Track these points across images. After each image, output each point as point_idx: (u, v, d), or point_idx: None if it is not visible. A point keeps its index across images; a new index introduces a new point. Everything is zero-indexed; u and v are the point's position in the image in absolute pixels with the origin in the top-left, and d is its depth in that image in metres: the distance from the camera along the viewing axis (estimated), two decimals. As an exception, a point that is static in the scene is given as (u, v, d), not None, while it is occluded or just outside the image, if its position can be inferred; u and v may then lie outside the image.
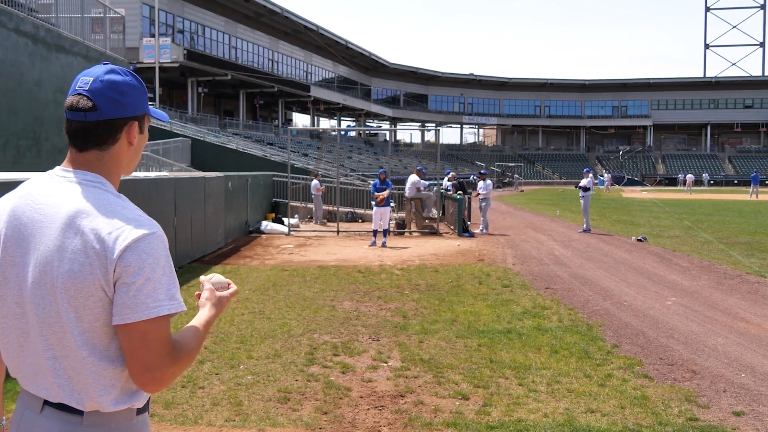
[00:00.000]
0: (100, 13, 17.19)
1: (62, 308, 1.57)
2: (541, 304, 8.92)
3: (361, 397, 5.31)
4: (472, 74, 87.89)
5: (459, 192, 20.02)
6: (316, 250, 15.13)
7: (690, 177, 53.69)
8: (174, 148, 24.03)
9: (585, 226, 19.31)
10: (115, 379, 1.61)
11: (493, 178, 62.80)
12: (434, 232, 19.09)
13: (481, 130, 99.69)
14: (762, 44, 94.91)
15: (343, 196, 22.52)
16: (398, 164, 54.13)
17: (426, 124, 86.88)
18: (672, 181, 73.80)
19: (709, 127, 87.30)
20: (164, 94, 44.75)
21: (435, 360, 6.28)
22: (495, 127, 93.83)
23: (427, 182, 20.79)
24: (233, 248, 15.29)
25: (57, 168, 1.71)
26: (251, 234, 18.39)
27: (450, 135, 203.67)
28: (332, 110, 72.51)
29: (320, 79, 67.86)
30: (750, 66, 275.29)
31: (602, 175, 63.47)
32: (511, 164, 76.62)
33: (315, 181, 21.87)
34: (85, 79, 1.67)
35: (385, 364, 6.16)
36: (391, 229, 18.20)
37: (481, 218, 19.38)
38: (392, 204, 18.27)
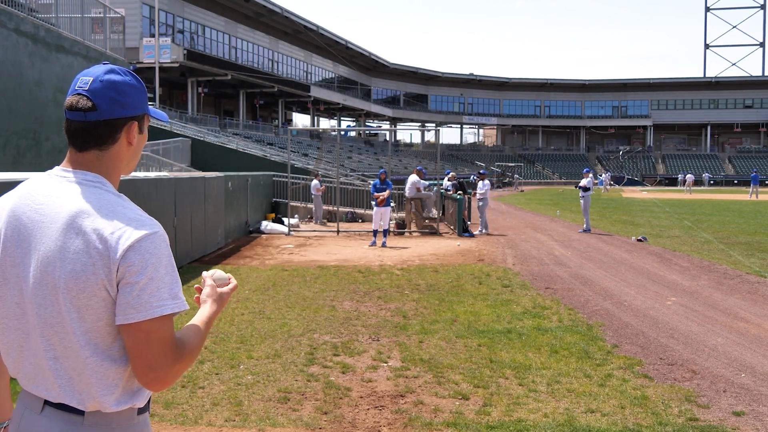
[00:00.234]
0: (100, 13, 17.20)
1: (64, 308, 1.57)
2: (541, 304, 8.93)
3: (361, 397, 5.31)
4: (472, 74, 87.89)
5: (459, 192, 20.02)
6: (316, 250, 15.13)
7: (690, 177, 53.67)
8: (174, 148, 24.03)
9: (585, 226, 19.31)
10: (118, 379, 1.61)
11: (492, 178, 62.91)
12: (434, 232, 19.09)
13: (481, 130, 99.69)
14: (762, 44, 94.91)
15: (343, 196, 22.53)
16: (398, 164, 54.14)
17: (426, 124, 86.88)
18: (672, 181, 73.79)
19: (709, 127, 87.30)
20: (164, 94, 44.76)
21: (435, 360, 6.28)
22: (495, 127, 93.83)
23: (427, 182, 20.80)
24: (233, 248, 15.29)
25: (56, 168, 1.71)
26: (251, 234, 18.39)
27: (450, 135, 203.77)
28: (332, 110, 72.52)
29: (320, 79, 67.87)
30: (750, 66, 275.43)
31: (601, 175, 63.47)
32: (511, 164, 76.62)
33: (315, 181, 21.87)
34: (85, 79, 1.67)
35: (385, 364, 6.17)
36: (391, 229, 18.20)
37: (480, 218, 19.38)
38: (392, 204, 18.27)
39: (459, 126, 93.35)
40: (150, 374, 1.58)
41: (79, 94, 1.65)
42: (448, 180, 22.06)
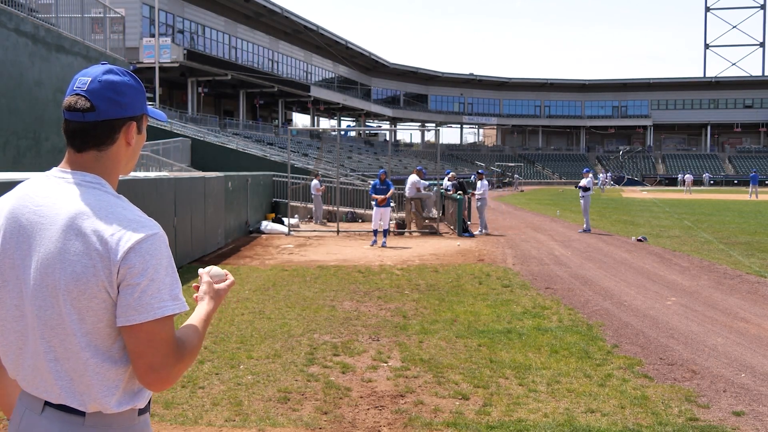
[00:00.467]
0: (100, 13, 17.20)
1: (65, 310, 1.57)
2: (541, 304, 8.93)
3: (361, 397, 5.31)
4: (472, 74, 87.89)
5: (459, 192, 20.02)
6: (316, 250, 15.13)
7: (688, 177, 53.65)
8: (174, 148, 24.03)
9: (585, 226, 19.31)
10: (118, 380, 1.61)
11: (492, 178, 62.91)
12: (434, 232, 19.09)
13: (481, 130, 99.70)
14: (762, 44, 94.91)
15: (343, 196, 22.53)
16: (398, 164, 54.15)
17: (426, 124, 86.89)
18: (672, 181, 73.80)
19: (709, 127, 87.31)
20: (164, 94, 44.76)
21: (435, 360, 6.28)
22: (495, 127, 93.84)
23: (427, 182, 20.79)
24: (233, 248, 15.29)
25: (55, 169, 1.70)
26: (251, 234, 18.39)
27: (450, 135, 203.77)
28: (332, 110, 72.52)
29: (320, 79, 67.87)
30: (750, 66, 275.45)
31: (600, 174, 63.46)
32: (511, 164, 76.62)
33: (315, 181, 21.87)
34: (83, 79, 1.67)
35: (385, 364, 6.16)
36: (391, 229, 18.20)
37: (479, 218, 19.38)
38: (392, 204, 18.28)
39: (459, 126, 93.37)
40: (152, 375, 1.59)
41: (77, 94, 1.65)
42: (448, 180, 22.06)
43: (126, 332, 1.57)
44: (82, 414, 1.61)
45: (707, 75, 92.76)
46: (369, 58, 72.90)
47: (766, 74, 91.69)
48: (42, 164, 12.86)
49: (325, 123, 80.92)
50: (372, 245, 15.90)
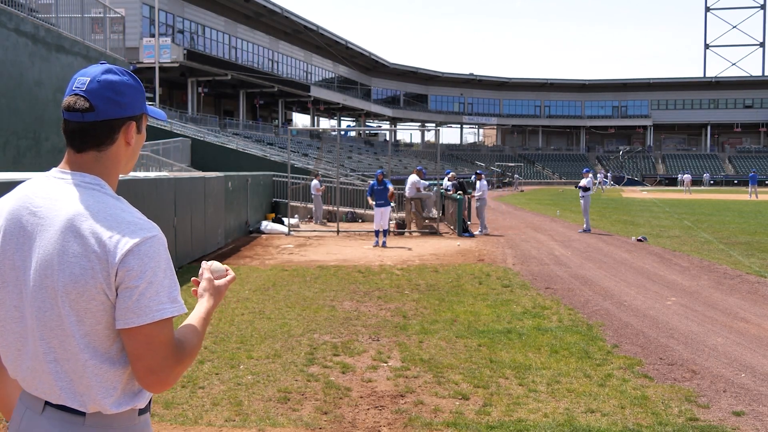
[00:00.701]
0: (100, 13, 17.20)
1: (64, 312, 1.57)
2: (541, 304, 8.92)
3: (361, 397, 5.31)
4: (472, 74, 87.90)
5: (459, 192, 20.02)
6: (316, 250, 15.13)
7: (687, 177, 53.62)
8: (174, 148, 24.04)
9: (585, 226, 19.31)
10: (117, 381, 1.61)
11: (492, 178, 62.92)
12: (434, 232, 19.09)
13: (481, 130, 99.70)
14: (762, 44, 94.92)
15: (343, 196, 22.53)
16: (398, 164, 54.14)
17: (426, 124, 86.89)
18: (672, 181, 73.80)
19: (709, 127, 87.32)
20: (164, 94, 44.76)
21: (435, 360, 6.28)
22: (495, 127, 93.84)
23: (427, 182, 20.79)
24: (233, 248, 15.29)
25: (54, 169, 1.70)
26: (251, 234, 18.39)
27: (450, 135, 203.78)
28: (332, 110, 72.52)
29: (320, 79, 67.87)
30: (750, 66, 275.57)
31: (598, 174, 63.42)
32: (511, 164, 76.63)
33: (315, 181, 21.87)
34: (82, 79, 1.66)
35: (385, 364, 6.16)
36: (391, 229, 18.20)
37: (478, 219, 19.38)
38: (392, 204, 18.28)
39: (459, 126, 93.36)
40: (151, 377, 1.59)
41: (76, 94, 1.65)
42: (448, 180, 22.06)
43: (125, 335, 1.57)
44: (83, 414, 1.61)
45: (707, 75, 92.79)
46: (369, 58, 72.90)
47: (766, 74, 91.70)
48: (42, 164, 12.86)
49: (325, 123, 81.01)
50: (375, 246, 15.88)
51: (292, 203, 20.92)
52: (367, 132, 79.96)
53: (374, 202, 16.53)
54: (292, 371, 5.91)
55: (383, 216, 16.26)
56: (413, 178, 19.50)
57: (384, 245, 15.87)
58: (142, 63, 38.50)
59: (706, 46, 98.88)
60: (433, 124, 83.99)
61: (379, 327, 7.58)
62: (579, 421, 4.80)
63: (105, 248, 1.55)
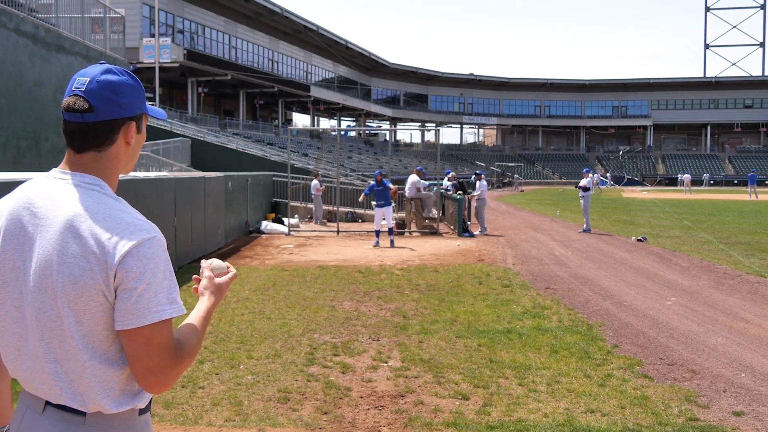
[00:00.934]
0: (100, 13, 17.20)
1: (63, 312, 1.57)
2: (541, 304, 8.92)
3: (361, 397, 5.31)
4: (472, 74, 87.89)
5: (459, 192, 20.02)
6: (316, 250, 15.13)
7: (687, 177, 53.60)
8: (174, 148, 24.04)
9: (585, 226, 19.31)
10: (116, 382, 1.61)
11: (492, 178, 62.90)
12: (434, 232, 19.09)
13: (481, 130, 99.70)
14: (762, 44, 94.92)
15: (343, 196, 22.53)
16: (398, 164, 54.14)
17: (426, 124, 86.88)
18: (672, 181, 73.80)
19: (709, 127, 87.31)
20: (164, 94, 44.76)
21: (435, 360, 6.28)
22: (495, 127, 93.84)
23: (427, 182, 20.79)
24: (233, 248, 15.29)
25: (54, 170, 1.70)
26: (251, 234, 18.39)
27: (450, 135, 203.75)
28: (332, 110, 72.51)
29: (320, 79, 67.86)
30: (750, 66, 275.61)
31: (595, 174, 63.43)
32: (511, 164, 76.61)
33: (315, 181, 21.87)
34: (82, 79, 1.66)
35: (385, 364, 6.16)
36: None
37: (477, 219, 19.38)
38: (393, 204, 18.28)
39: (459, 126, 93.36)
40: (150, 378, 1.59)
41: (76, 95, 1.64)
42: (448, 180, 22.07)
43: (124, 336, 1.57)
44: (83, 414, 1.61)
45: (707, 75, 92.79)
46: (369, 58, 72.89)
47: (766, 74, 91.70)
48: (42, 164, 12.86)
49: (325, 123, 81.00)
50: (374, 246, 15.86)
51: (292, 203, 20.92)
52: (367, 132, 79.96)
53: (373, 202, 16.52)
54: (292, 371, 5.91)
55: (386, 216, 16.24)
56: (413, 178, 19.49)
57: (392, 244, 15.84)
58: (142, 63, 38.50)
59: (706, 46, 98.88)
60: (433, 124, 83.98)
61: (379, 327, 7.58)
62: (579, 421, 4.80)
63: (104, 249, 1.55)
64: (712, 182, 70.59)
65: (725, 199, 40.68)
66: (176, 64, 40.85)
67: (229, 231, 16.12)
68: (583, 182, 19.92)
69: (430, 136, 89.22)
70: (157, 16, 41.27)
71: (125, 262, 1.55)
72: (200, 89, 47.12)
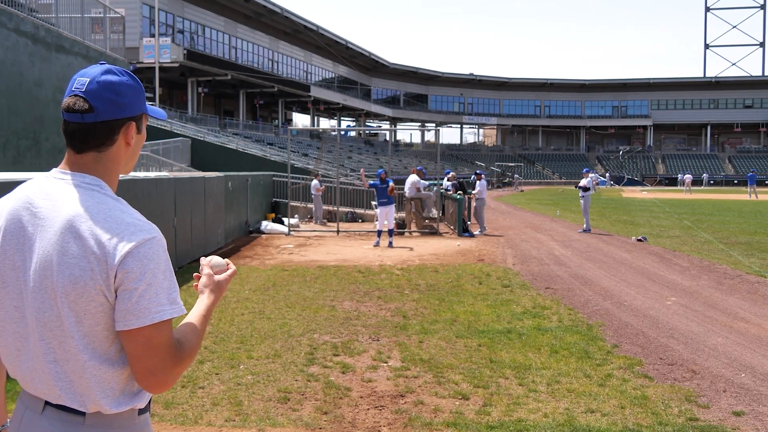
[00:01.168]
0: (100, 13, 17.20)
1: (63, 312, 1.57)
2: (541, 304, 8.92)
3: (361, 397, 5.31)
4: (472, 74, 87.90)
5: (459, 192, 20.03)
6: (316, 250, 15.13)
7: (687, 177, 53.61)
8: (174, 148, 24.04)
9: (585, 226, 19.31)
10: (116, 382, 1.61)
11: (492, 178, 62.90)
12: (434, 232, 19.09)
13: (481, 130, 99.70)
14: (762, 44, 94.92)
15: (343, 196, 22.53)
16: (398, 164, 54.13)
17: (426, 124, 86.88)
18: (672, 181, 73.80)
19: (709, 127, 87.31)
20: (164, 94, 44.76)
21: (435, 360, 6.28)
22: (495, 127, 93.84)
23: (427, 182, 20.79)
24: (233, 248, 15.29)
25: (54, 170, 1.70)
26: (251, 234, 18.39)
27: (450, 135, 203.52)
28: (332, 110, 72.51)
29: (320, 79, 67.86)
30: (750, 66, 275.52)
31: (592, 174, 63.37)
32: (511, 164, 76.62)
33: (315, 181, 21.87)
34: (82, 80, 1.66)
35: (385, 364, 6.16)
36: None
37: (476, 218, 19.37)
38: (394, 203, 18.28)
39: (459, 126, 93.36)
40: (150, 378, 1.59)
41: (76, 95, 1.64)
42: (448, 180, 22.07)
43: (124, 336, 1.57)
44: (83, 414, 1.61)
45: (707, 75, 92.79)
46: (369, 58, 72.89)
47: (766, 74, 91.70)
48: (42, 164, 12.86)
49: (325, 123, 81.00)
50: (375, 246, 15.85)
51: (292, 203, 20.92)
52: (367, 132, 79.95)
53: (374, 202, 16.51)
54: (292, 371, 5.91)
55: (388, 215, 16.23)
56: (413, 178, 19.49)
57: (391, 245, 15.84)
58: (142, 63, 38.50)
59: (706, 46, 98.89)
60: (433, 124, 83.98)
61: (379, 327, 7.58)
62: (579, 421, 4.81)
63: (104, 250, 1.55)
64: (711, 182, 70.60)
65: (725, 199, 40.68)
66: (176, 64, 40.85)
67: (229, 231, 16.12)
68: (583, 182, 19.92)
69: (430, 136, 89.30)
70: (157, 16, 41.27)
71: (126, 263, 1.55)
72: (200, 89, 47.12)
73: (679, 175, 66.20)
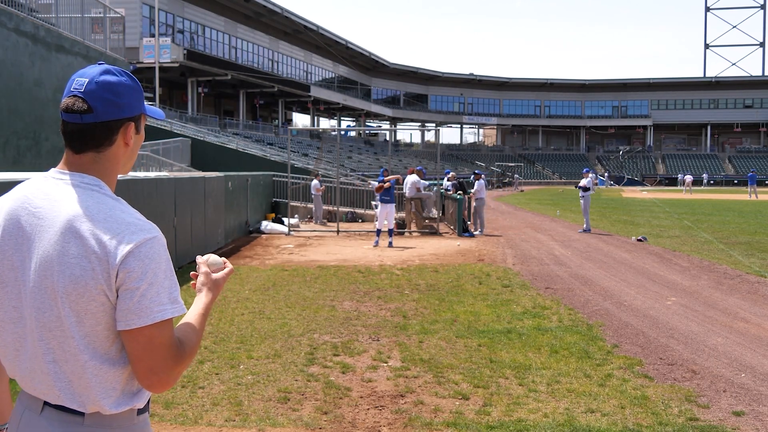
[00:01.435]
0: (100, 13, 17.20)
1: (63, 313, 1.57)
2: (541, 304, 8.92)
3: (361, 397, 5.31)
4: (472, 74, 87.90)
5: (459, 192, 20.03)
6: (316, 250, 15.13)
7: (688, 177, 53.61)
8: (174, 148, 24.03)
9: (585, 226, 19.31)
10: (116, 382, 1.61)
11: (492, 178, 62.89)
12: (434, 232, 19.09)
13: (481, 130, 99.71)
14: (762, 44, 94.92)
15: (343, 196, 22.52)
16: (398, 164, 54.12)
17: (426, 124, 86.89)
18: (672, 181, 73.81)
19: (709, 127, 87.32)
20: (164, 94, 44.77)
21: (435, 360, 6.28)
22: (495, 127, 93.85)
23: (427, 182, 20.79)
24: (233, 248, 15.29)
25: (53, 170, 1.70)
26: (251, 234, 18.39)
27: (450, 135, 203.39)
28: (332, 110, 72.52)
29: (320, 79, 67.87)
30: (750, 66, 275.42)
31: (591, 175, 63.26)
32: (511, 164, 76.62)
33: (315, 181, 21.87)
34: (80, 80, 1.66)
35: (385, 364, 6.16)
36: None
37: (474, 218, 19.37)
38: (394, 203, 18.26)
39: (459, 126, 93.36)
40: (152, 377, 1.59)
41: (74, 96, 1.64)
42: (448, 180, 22.07)
43: (125, 336, 1.58)
44: (82, 414, 1.61)
45: (707, 75, 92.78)
46: (369, 58, 72.90)
47: (766, 74, 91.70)
48: (42, 164, 12.86)
49: (325, 123, 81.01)
50: (375, 245, 15.84)
51: (292, 203, 20.92)
52: (367, 132, 79.96)
53: (374, 202, 16.50)
54: (292, 371, 5.91)
55: (388, 215, 16.23)
56: (413, 178, 19.48)
57: (391, 245, 15.83)
58: (142, 63, 38.51)
59: (706, 46, 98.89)
60: (433, 124, 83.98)
61: (379, 327, 7.57)
62: (579, 421, 4.80)
63: (105, 249, 1.55)
64: (711, 182, 70.60)
65: (725, 199, 40.68)
66: (176, 64, 40.86)
67: (229, 231, 16.12)
68: (583, 182, 19.92)
69: (430, 136, 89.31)
70: (157, 16, 41.28)
71: (127, 262, 1.55)
72: (200, 89, 47.14)
73: (679, 175, 66.21)
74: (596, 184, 53.59)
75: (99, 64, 1.72)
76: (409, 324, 7.70)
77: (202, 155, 26.22)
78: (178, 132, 27.93)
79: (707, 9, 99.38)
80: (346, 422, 4.81)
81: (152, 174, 14.51)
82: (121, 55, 18.22)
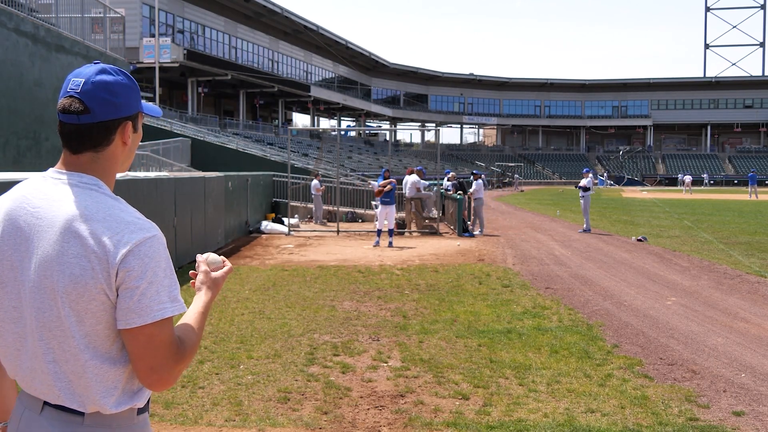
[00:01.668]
0: (100, 13, 17.20)
1: (63, 312, 1.57)
2: (541, 304, 8.92)
3: (361, 397, 5.31)
4: (472, 74, 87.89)
5: (459, 192, 20.02)
6: (316, 250, 15.13)
7: (688, 178, 53.57)
8: (174, 148, 24.02)
9: (585, 226, 19.31)
10: (117, 381, 1.61)
11: (492, 178, 62.90)
12: (434, 232, 19.09)
13: (481, 130, 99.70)
14: (762, 44, 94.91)
15: (343, 196, 22.52)
16: (398, 164, 54.11)
17: (426, 124, 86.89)
18: (672, 181, 73.80)
19: (709, 127, 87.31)
20: (164, 94, 44.76)
21: (435, 360, 6.28)
22: (495, 127, 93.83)
23: (427, 182, 20.79)
24: (233, 248, 15.28)
25: (51, 170, 1.70)
26: (251, 234, 18.39)
27: (450, 135, 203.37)
28: (332, 110, 72.52)
29: (320, 79, 67.87)
30: (750, 66, 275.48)
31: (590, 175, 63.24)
32: (511, 164, 76.63)
33: (315, 181, 21.87)
34: (76, 80, 1.65)
35: (385, 364, 6.16)
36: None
37: (473, 218, 19.38)
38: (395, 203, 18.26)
39: (459, 126, 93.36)
40: (153, 376, 1.59)
41: (71, 96, 1.64)
42: (448, 180, 22.07)
43: (126, 335, 1.58)
44: (81, 414, 1.61)
45: (707, 75, 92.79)
46: (369, 58, 72.90)
47: (766, 74, 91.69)
48: (42, 164, 12.86)
49: (325, 123, 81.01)
50: (375, 245, 15.84)
51: (292, 203, 20.91)
52: (367, 132, 79.96)
53: (374, 202, 16.50)
54: (292, 371, 5.91)
55: (389, 215, 16.23)
56: (412, 178, 19.48)
57: (391, 245, 15.83)
58: (142, 63, 38.51)
59: (706, 46, 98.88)
60: (433, 124, 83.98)
61: (379, 327, 7.57)
62: (579, 421, 4.80)
63: (105, 249, 1.55)
64: (711, 182, 70.59)
65: (725, 199, 40.68)
66: (176, 64, 40.86)
67: (229, 231, 16.12)
68: (583, 182, 19.92)
69: (430, 136, 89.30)
70: (157, 16, 41.28)
71: (127, 261, 1.55)
72: (200, 89, 47.13)
73: (679, 175, 66.18)
74: (596, 184, 53.65)
75: (95, 63, 1.71)
76: (409, 324, 7.70)
77: (202, 155, 26.21)
78: (178, 132, 27.92)
79: (707, 9, 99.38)
80: (346, 422, 4.81)
81: (152, 174, 14.51)
82: (121, 55, 18.22)
